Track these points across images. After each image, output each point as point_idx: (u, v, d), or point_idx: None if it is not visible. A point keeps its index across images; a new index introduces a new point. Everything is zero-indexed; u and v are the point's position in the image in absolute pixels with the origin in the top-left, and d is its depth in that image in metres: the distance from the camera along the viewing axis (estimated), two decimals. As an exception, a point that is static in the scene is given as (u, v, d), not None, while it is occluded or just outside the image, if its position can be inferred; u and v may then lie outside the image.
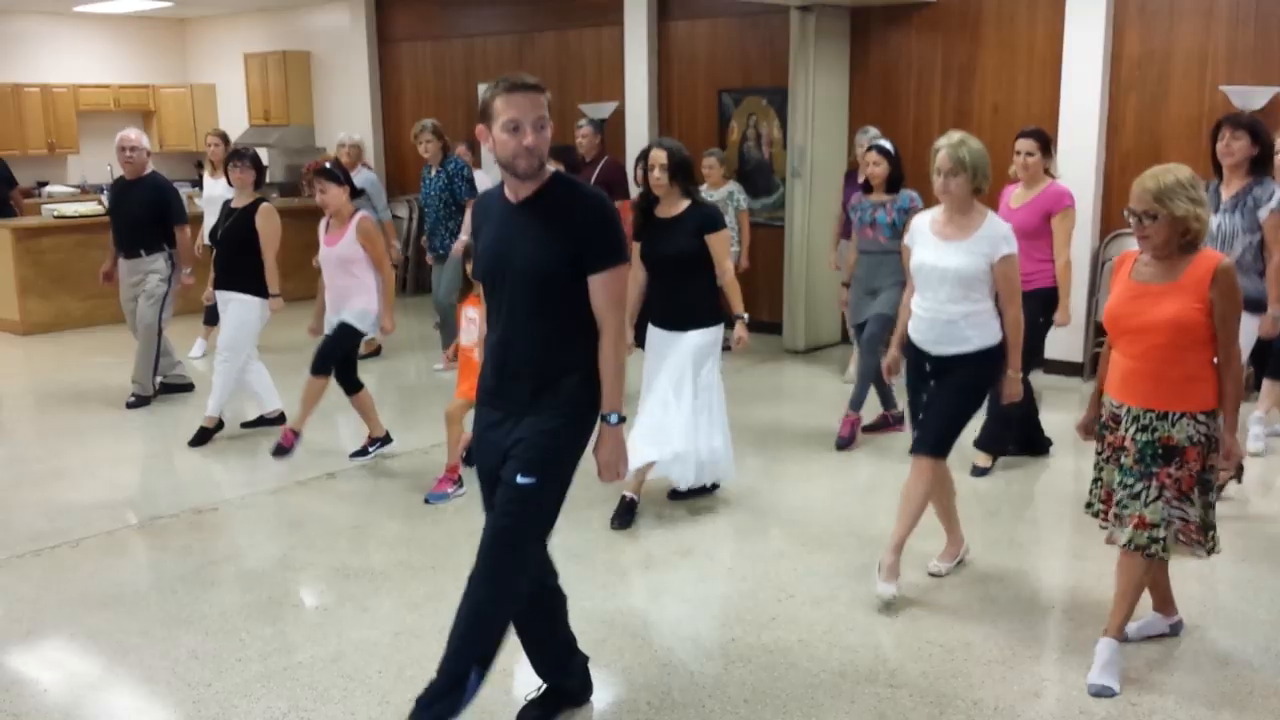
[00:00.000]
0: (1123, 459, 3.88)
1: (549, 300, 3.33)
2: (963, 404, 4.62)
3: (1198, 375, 3.77)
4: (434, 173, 8.62)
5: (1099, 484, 4.04)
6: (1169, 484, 3.79)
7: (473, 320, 5.67)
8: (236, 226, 6.81)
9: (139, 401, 7.82)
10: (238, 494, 5.98)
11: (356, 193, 6.49)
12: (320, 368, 6.31)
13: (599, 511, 5.66)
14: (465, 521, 5.60)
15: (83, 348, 9.66)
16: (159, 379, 7.96)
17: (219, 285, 6.96)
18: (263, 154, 8.51)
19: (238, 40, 14.46)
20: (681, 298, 5.46)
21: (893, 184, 6.64)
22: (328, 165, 6.41)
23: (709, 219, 5.42)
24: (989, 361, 4.59)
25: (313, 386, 6.34)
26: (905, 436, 6.46)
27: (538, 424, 3.35)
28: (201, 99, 15.05)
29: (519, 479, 3.32)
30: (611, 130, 10.45)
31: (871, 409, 6.84)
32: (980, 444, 6.20)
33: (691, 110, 10.41)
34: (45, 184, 13.98)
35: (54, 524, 5.53)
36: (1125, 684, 3.84)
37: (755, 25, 9.84)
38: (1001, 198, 6.19)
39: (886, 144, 6.72)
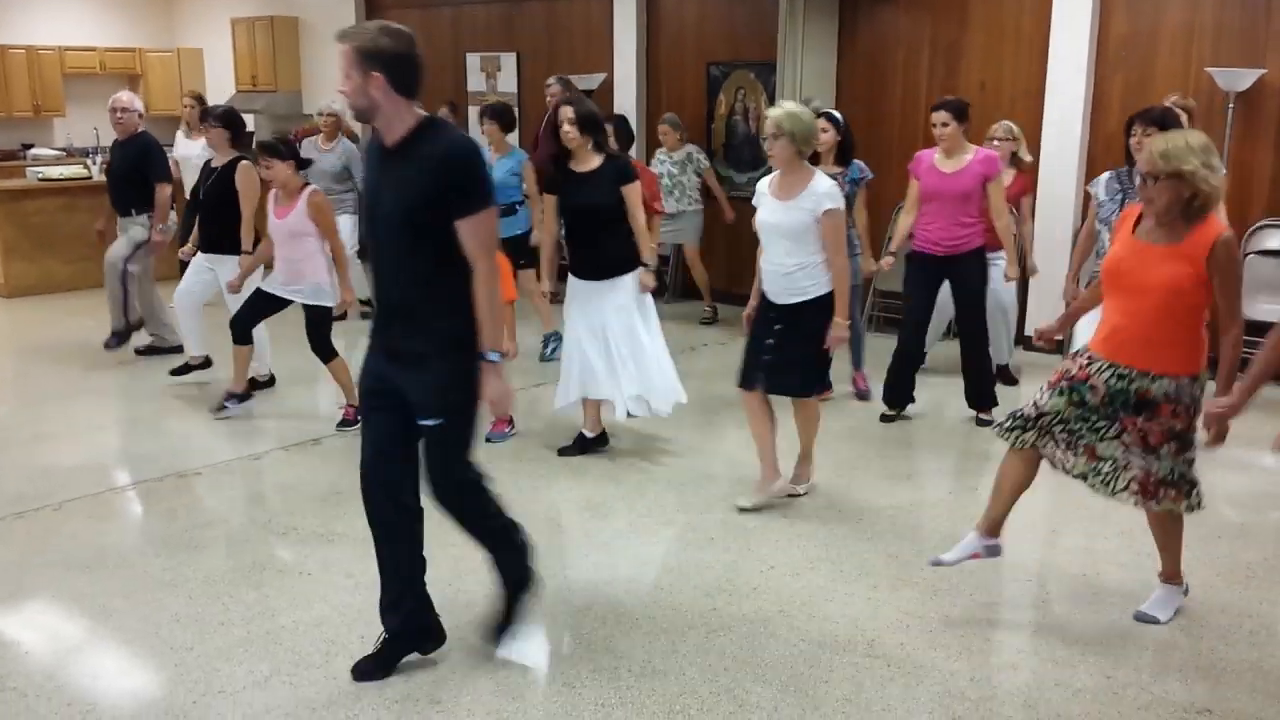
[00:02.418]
0: (1088, 397, 3.95)
1: (417, 242, 3.46)
2: (812, 348, 5.11)
3: (1185, 340, 3.82)
4: None
5: (1033, 405, 4.08)
6: (1131, 431, 3.89)
7: None
8: (218, 185, 6.85)
9: (114, 340, 8.06)
10: (222, 458, 5.98)
11: (303, 164, 6.53)
12: (321, 351, 6.47)
13: (581, 483, 5.69)
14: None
15: (67, 310, 9.61)
16: (149, 336, 8.20)
17: (205, 248, 7.00)
18: (249, 120, 8.52)
19: (225, 4, 14.33)
20: (602, 248, 5.71)
21: (843, 154, 6.71)
22: (271, 140, 6.45)
23: (623, 172, 5.69)
24: (829, 307, 5.02)
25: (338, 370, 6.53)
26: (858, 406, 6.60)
27: (422, 369, 3.54)
28: (189, 63, 14.93)
29: (426, 421, 3.56)
30: (600, 102, 10.40)
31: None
32: (972, 403, 6.63)
33: (679, 83, 10.39)
34: (30, 146, 13.87)
35: (37, 487, 5.53)
36: (1098, 657, 3.90)
37: (745, -2, 9.83)
38: (920, 161, 6.48)
39: (835, 112, 6.80)
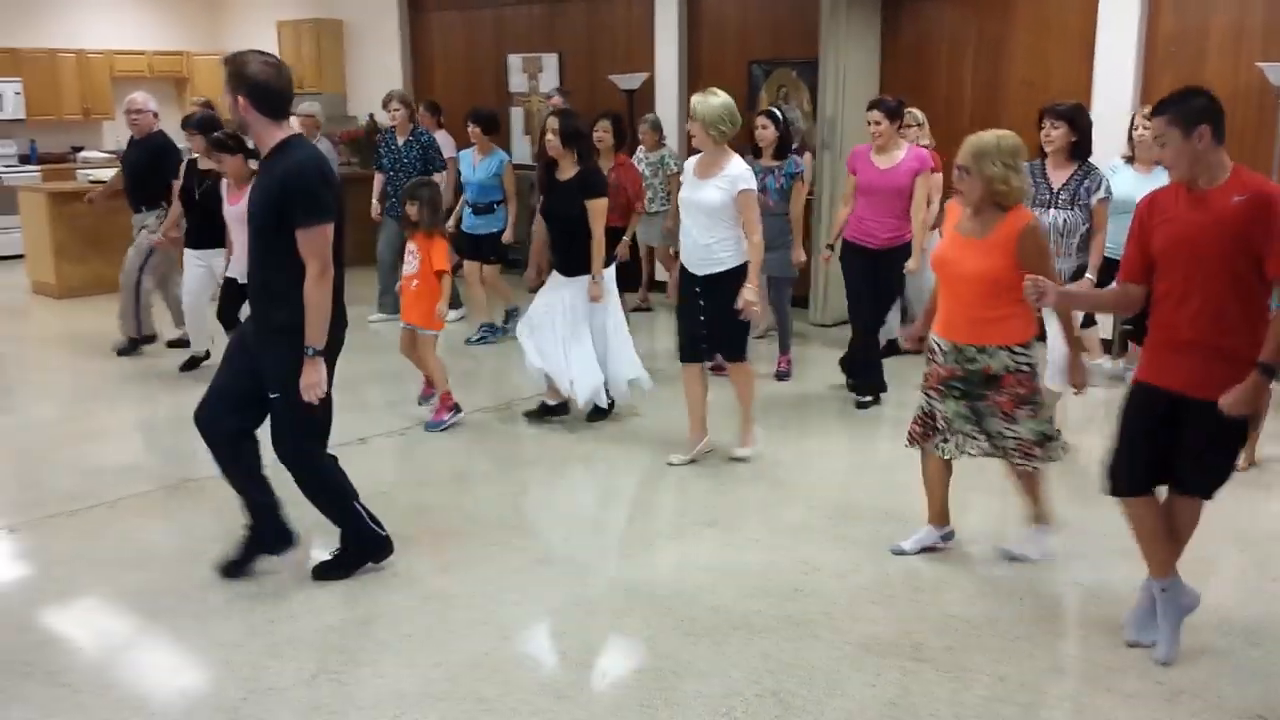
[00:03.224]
0: (958, 386, 4.38)
1: (266, 244, 4.10)
2: (731, 314, 5.54)
3: (1010, 314, 4.23)
4: (402, 141, 9.08)
5: (929, 416, 4.51)
6: (994, 405, 4.34)
7: (413, 253, 6.51)
8: (213, 189, 7.23)
9: (127, 347, 8.30)
10: (270, 457, 6.01)
11: (253, 155, 6.74)
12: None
13: (625, 483, 5.70)
14: (495, 489, 5.66)
15: (116, 311, 9.72)
16: (156, 333, 8.45)
17: (197, 244, 7.48)
18: (294, 122, 8.65)
19: (271, 7, 14.45)
20: (569, 250, 6.31)
21: (782, 150, 7.27)
22: (221, 136, 6.78)
23: (587, 186, 6.21)
24: (742, 277, 5.47)
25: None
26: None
27: (267, 348, 4.18)
28: (233, 66, 15.05)
29: (271, 395, 4.21)
30: (641, 101, 10.43)
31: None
32: (856, 390, 7.07)
33: (721, 81, 10.21)
34: (80, 149, 14.04)
35: (88, 485, 5.60)
36: (1149, 663, 3.85)
37: (787, -4, 9.79)
38: (856, 157, 6.87)
39: (776, 110, 7.37)
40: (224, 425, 4.36)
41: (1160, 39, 7.87)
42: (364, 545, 4.57)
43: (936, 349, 4.44)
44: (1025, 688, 3.73)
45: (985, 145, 4.16)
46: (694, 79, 10.55)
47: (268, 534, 4.51)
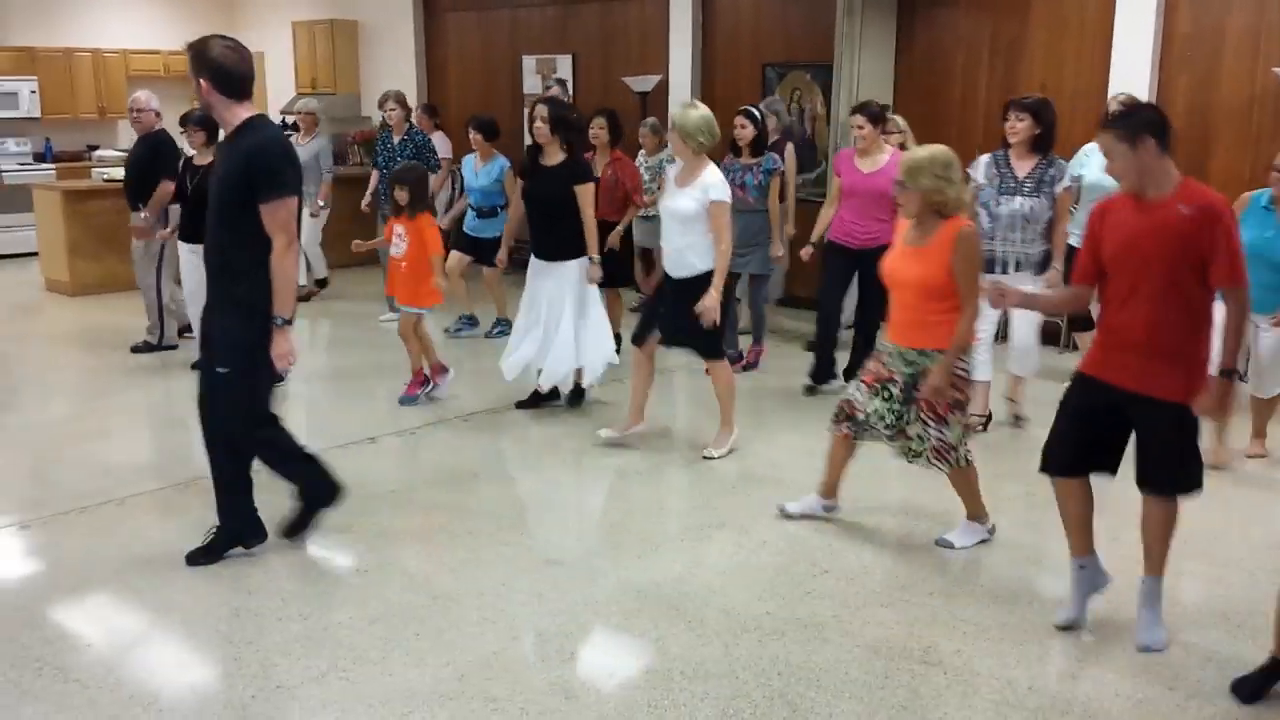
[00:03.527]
0: (894, 391, 4.69)
1: (230, 219, 4.23)
2: (695, 317, 5.73)
3: (945, 320, 4.53)
4: (398, 140, 9.19)
5: (851, 405, 4.84)
6: (925, 408, 4.61)
7: (400, 236, 6.78)
8: (203, 182, 7.19)
9: (143, 347, 8.39)
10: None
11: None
12: None
13: (637, 484, 5.70)
14: (505, 489, 5.66)
15: (129, 309, 9.73)
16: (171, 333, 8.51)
17: (189, 238, 7.53)
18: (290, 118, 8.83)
19: (287, 7, 14.50)
20: (553, 234, 6.41)
21: (759, 147, 7.54)
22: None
23: (576, 172, 6.36)
24: (710, 281, 5.69)
25: None
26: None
27: (222, 323, 4.34)
28: (249, 66, 15.10)
29: (217, 369, 4.35)
30: (654, 103, 10.43)
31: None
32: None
33: (735, 84, 10.36)
34: (95, 148, 14.10)
35: (99, 482, 5.62)
36: (1161, 667, 3.83)
37: (801, -1, 9.78)
38: (841, 160, 7.09)
39: (754, 109, 7.61)
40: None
41: (1177, 41, 7.84)
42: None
43: (883, 351, 4.79)
44: (1034, 692, 3.71)
45: (919, 161, 4.50)
46: (707, 81, 10.56)
47: (320, 487, 4.77)
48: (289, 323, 4.27)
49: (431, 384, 7.04)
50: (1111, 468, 4.05)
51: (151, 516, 5.24)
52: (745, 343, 8.07)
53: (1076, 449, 4.05)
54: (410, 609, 4.27)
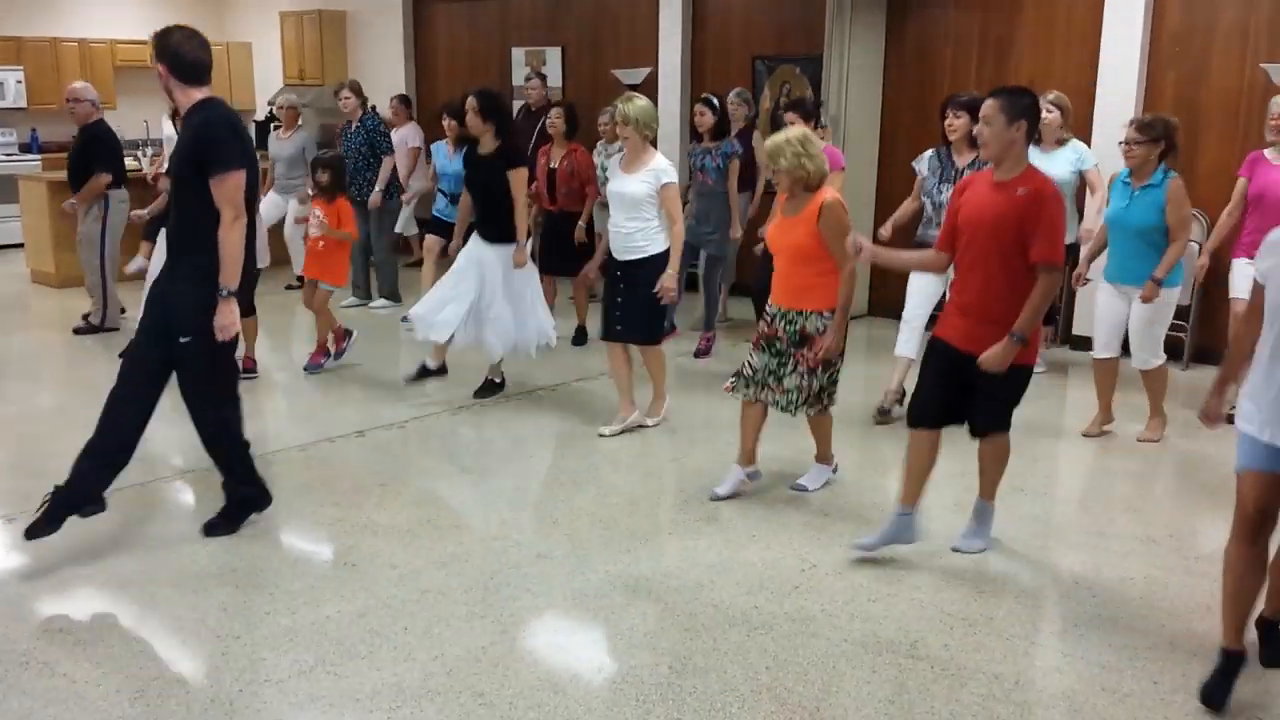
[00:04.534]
0: (778, 346, 5.11)
1: (186, 196, 4.47)
2: (649, 299, 6.03)
3: (818, 284, 5.02)
4: (354, 127, 9.49)
5: (747, 366, 5.22)
6: (802, 361, 5.08)
7: (317, 216, 7.33)
8: None
9: (85, 328, 8.62)
10: (268, 449, 6.03)
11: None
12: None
13: (623, 478, 5.70)
14: (493, 482, 5.66)
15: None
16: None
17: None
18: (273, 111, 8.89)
19: (274, -2, 14.46)
20: (494, 220, 6.65)
21: (719, 132, 7.97)
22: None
23: (509, 158, 6.58)
24: (661, 264, 5.98)
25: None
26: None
27: (182, 290, 4.50)
28: (237, 57, 15.04)
29: (181, 339, 4.50)
30: (645, 95, 10.38)
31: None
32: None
33: (725, 77, 10.34)
34: (81, 138, 14.05)
35: (87, 475, 5.58)
36: (1145, 662, 3.85)
37: (792, -8, 9.77)
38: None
39: (712, 98, 8.03)
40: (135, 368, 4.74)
41: (1165, 38, 7.85)
42: (248, 496, 4.94)
43: (769, 312, 5.21)
44: (1021, 686, 3.73)
45: (778, 143, 4.96)
46: (698, 74, 10.55)
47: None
48: (234, 294, 4.48)
49: (337, 350, 7.57)
50: (962, 420, 4.59)
51: (138, 509, 5.22)
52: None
53: (932, 407, 4.55)
54: (398, 603, 4.26)
